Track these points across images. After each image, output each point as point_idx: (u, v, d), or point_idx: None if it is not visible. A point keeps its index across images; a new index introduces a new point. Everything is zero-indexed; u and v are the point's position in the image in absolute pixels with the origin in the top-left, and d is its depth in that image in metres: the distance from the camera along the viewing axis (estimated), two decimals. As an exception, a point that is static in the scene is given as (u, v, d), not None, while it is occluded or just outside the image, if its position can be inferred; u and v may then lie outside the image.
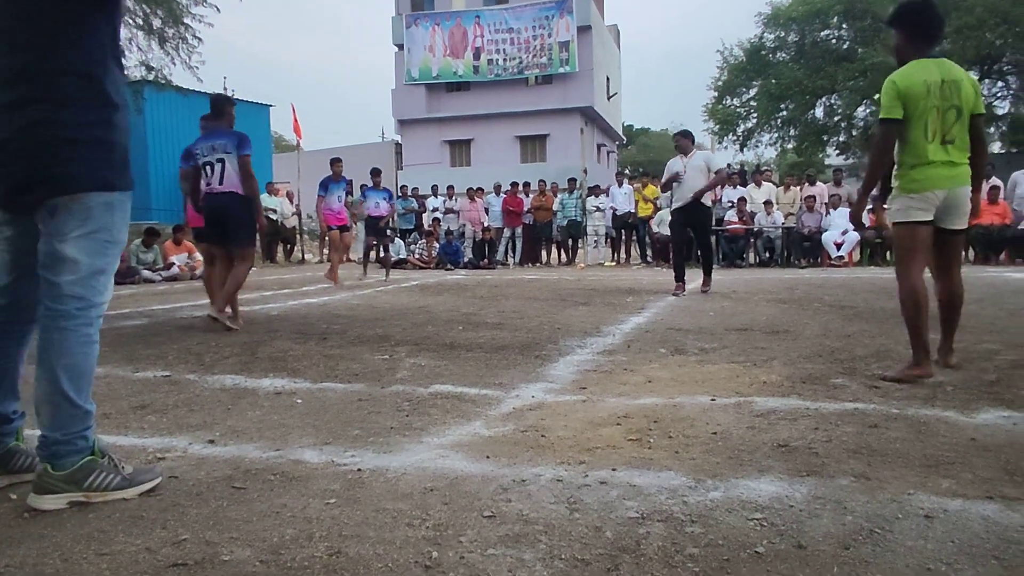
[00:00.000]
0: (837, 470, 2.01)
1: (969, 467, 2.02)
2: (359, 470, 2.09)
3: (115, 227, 1.93)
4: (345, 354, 4.03)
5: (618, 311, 5.96)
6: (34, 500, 1.83)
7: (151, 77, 11.31)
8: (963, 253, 5.06)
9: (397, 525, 1.69)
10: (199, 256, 9.30)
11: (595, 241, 14.40)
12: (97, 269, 1.89)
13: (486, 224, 14.41)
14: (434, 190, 16.14)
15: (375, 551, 1.56)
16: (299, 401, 2.99)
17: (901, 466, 2.04)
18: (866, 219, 3.96)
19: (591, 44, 28.74)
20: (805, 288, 7.72)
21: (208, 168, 5.14)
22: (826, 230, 11.96)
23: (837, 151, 26.07)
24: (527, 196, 14.64)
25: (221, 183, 5.10)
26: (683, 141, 7.51)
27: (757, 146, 26.35)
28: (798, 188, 13.21)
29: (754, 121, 25.12)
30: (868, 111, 22.93)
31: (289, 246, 16.02)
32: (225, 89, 15.34)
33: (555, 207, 14.30)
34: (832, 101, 23.98)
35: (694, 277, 7.80)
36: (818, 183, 13.47)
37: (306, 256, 16.34)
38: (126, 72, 2.04)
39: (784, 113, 24.41)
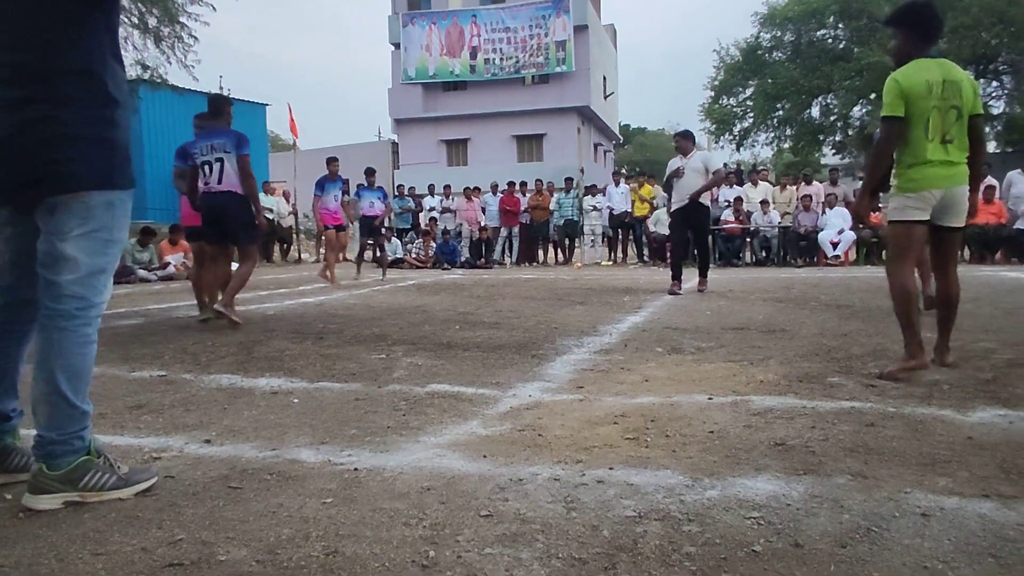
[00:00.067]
0: (834, 469, 2.01)
1: (966, 465, 2.02)
2: (356, 469, 2.08)
3: (115, 226, 1.92)
4: (342, 353, 4.03)
5: (615, 310, 5.96)
6: (29, 500, 1.82)
7: (146, 76, 11.29)
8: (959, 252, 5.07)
9: (394, 524, 1.69)
10: (195, 256, 9.26)
11: (592, 240, 14.40)
12: (97, 268, 1.88)
13: (483, 223, 14.41)
14: (431, 189, 16.14)
15: (372, 550, 1.55)
16: (295, 401, 2.98)
17: (898, 465, 2.04)
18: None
19: (588, 43, 28.74)
20: (801, 287, 7.73)
21: (206, 167, 5.13)
22: (822, 229, 11.98)
23: (833, 151, 26.13)
24: (524, 195, 14.65)
25: (220, 182, 5.09)
26: (683, 142, 7.50)
27: (753, 145, 26.48)
28: (794, 187, 13.25)
29: (750, 121, 25.18)
30: (864, 111, 23.00)
31: (285, 246, 16.00)
32: (221, 88, 15.36)
33: (552, 206, 14.31)
34: (828, 101, 24.06)
35: (691, 276, 7.81)
36: (814, 182, 13.52)
37: (303, 256, 16.31)
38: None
39: (780, 112, 24.47)
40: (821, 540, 1.57)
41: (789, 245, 12.55)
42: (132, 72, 11.05)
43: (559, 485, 1.92)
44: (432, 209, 15.46)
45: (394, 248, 13.49)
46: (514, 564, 1.48)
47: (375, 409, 2.80)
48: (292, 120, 16.90)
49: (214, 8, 10.98)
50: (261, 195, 12.66)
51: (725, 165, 14.61)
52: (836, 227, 11.80)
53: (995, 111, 22.07)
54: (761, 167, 20.44)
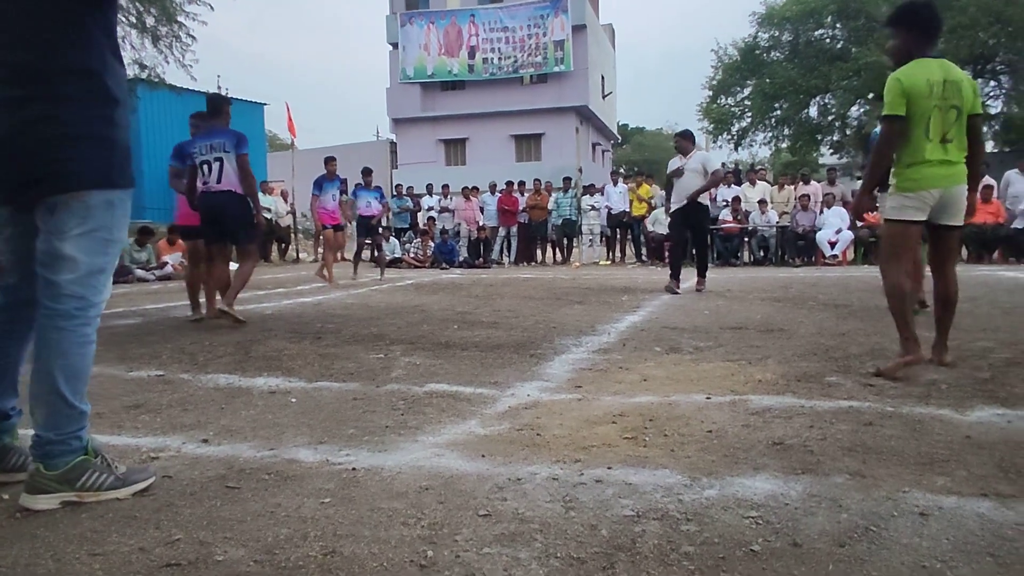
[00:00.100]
0: (832, 468, 2.01)
1: (964, 465, 2.02)
2: (354, 469, 2.08)
3: (115, 226, 1.92)
4: (340, 353, 4.02)
5: (613, 310, 5.97)
6: (27, 500, 1.82)
7: (144, 76, 11.27)
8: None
9: (392, 524, 1.69)
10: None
11: (590, 240, 14.40)
12: (96, 268, 1.88)
13: (481, 223, 14.41)
14: (429, 189, 16.13)
15: (370, 550, 1.55)
16: (293, 400, 2.98)
17: (896, 464, 2.04)
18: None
19: (586, 43, 28.75)
20: (799, 287, 7.74)
21: (205, 167, 5.12)
22: (820, 229, 11.99)
23: (831, 150, 26.14)
24: (522, 195, 14.64)
25: (219, 182, 5.09)
26: (682, 142, 7.50)
27: (751, 145, 26.44)
28: (792, 187, 13.25)
29: (748, 120, 25.16)
30: (862, 110, 23.01)
31: (284, 245, 15.98)
32: (219, 88, 15.33)
33: (550, 206, 14.31)
34: (826, 100, 24.05)
35: (689, 276, 7.81)
36: (812, 182, 13.52)
37: (300, 255, 16.30)
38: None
39: (778, 112, 24.46)
40: (819, 539, 1.57)
41: (787, 245, 12.56)
42: (130, 71, 11.04)
43: (557, 484, 1.92)
44: (430, 209, 15.46)
45: (392, 248, 13.48)
46: (512, 564, 1.48)
47: (373, 409, 2.80)
48: (290, 120, 16.89)
49: (212, 7, 10.99)
50: (259, 195, 12.63)
51: (724, 165, 14.64)
52: (834, 227, 11.81)
53: (993, 111, 22.09)
54: (759, 167, 20.47)
